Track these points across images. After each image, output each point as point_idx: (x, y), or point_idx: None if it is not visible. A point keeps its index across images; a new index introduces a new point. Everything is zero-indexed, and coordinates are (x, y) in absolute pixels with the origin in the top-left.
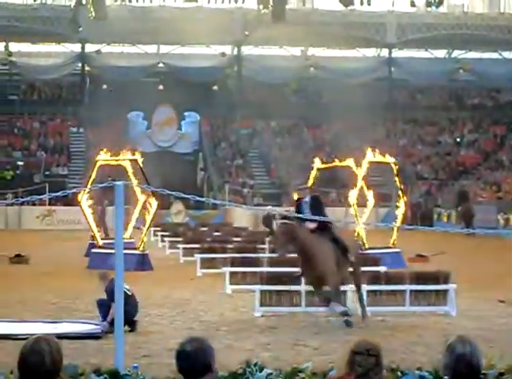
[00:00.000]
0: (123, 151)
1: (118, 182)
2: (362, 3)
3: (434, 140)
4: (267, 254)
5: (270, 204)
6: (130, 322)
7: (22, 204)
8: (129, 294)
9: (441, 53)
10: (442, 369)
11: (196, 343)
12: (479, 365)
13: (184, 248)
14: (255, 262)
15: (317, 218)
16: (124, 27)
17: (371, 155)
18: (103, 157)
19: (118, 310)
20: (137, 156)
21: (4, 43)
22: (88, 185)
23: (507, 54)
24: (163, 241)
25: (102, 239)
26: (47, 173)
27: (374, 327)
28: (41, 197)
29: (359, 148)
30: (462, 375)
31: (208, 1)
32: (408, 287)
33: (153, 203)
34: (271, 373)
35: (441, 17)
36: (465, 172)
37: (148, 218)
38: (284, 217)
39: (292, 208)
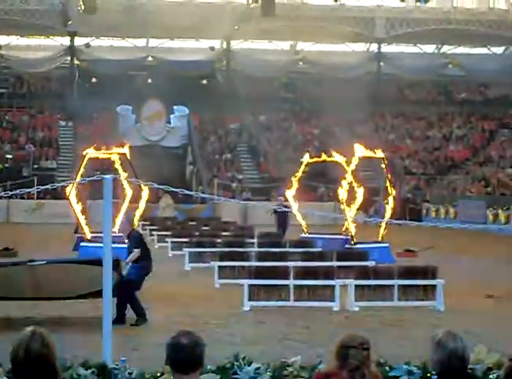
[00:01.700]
0: (114, 146)
1: (106, 176)
2: None
3: (422, 134)
4: (255, 249)
5: (259, 199)
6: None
7: (10, 197)
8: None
9: (430, 48)
10: (432, 364)
11: (191, 336)
12: (469, 359)
13: (172, 242)
14: (244, 256)
15: None
16: (113, 20)
17: (360, 151)
18: (92, 151)
19: (105, 302)
20: (126, 150)
21: None
22: (77, 179)
23: (496, 50)
24: (151, 235)
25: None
26: (36, 166)
27: (362, 321)
28: (30, 190)
29: (347, 142)
30: (454, 369)
31: None
32: (396, 282)
33: (144, 194)
34: (259, 368)
35: (430, 12)
36: (454, 167)
37: (139, 210)
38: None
39: None
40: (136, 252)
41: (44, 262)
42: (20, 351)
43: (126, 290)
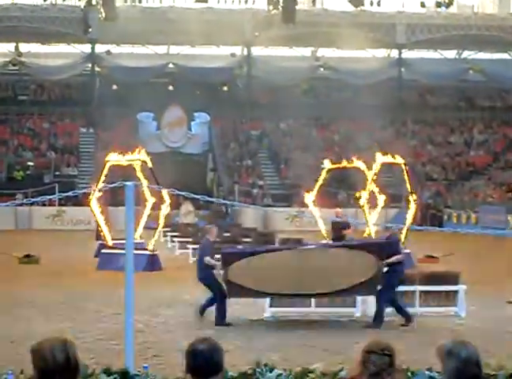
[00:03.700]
0: (136, 151)
1: (128, 183)
2: (372, 4)
3: (444, 140)
4: None
5: (280, 205)
6: None
7: (32, 204)
8: None
9: (451, 53)
10: (446, 373)
11: (208, 342)
12: (482, 364)
13: (194, 248)
14: None
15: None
16: (134, 27)
17: (381, 158)
18: (113, 158)
19: (127, 310)
20: (144, 156)
21: (14, 44)
22: (98, 186)
23: None
24: (172, 241)
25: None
26: (57, 173)
27: (384, 327)
28: (51, 197)
29: (368, 148)
30: (471, 376)
31: (218, 2)
32: (417, 288)
33: (165, 201)
34: (281, 374)
35: (451, 18)
36: (475, 173)
37: (161, 217)
38: None
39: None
40: (399, 257)
41: (313, 246)
42: (59, 358)
43: (388, 293)
